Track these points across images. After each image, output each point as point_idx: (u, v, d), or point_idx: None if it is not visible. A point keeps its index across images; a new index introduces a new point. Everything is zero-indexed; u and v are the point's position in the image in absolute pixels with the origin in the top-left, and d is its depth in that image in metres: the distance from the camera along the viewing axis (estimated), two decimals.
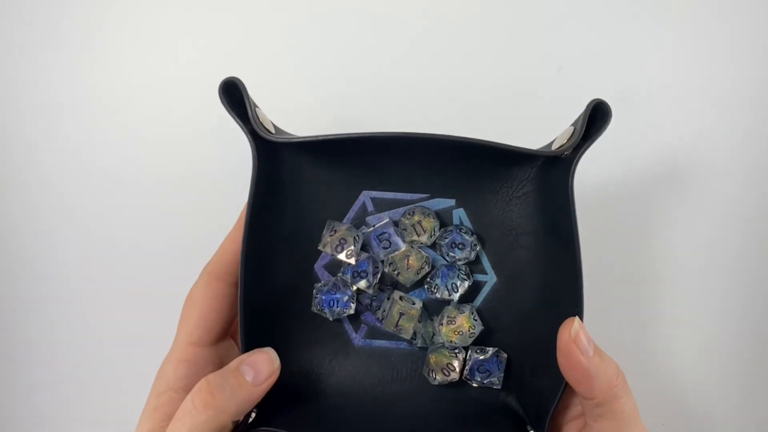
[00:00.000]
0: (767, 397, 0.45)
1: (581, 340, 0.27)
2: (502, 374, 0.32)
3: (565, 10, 0.47)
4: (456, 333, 0.32)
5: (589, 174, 0.46)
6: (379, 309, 0.34)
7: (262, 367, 0.28)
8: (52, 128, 0.47)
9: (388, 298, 0.33)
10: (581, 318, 0.28)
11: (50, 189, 0.47)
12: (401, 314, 0.32)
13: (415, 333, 0.33)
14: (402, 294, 0.33)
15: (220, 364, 0.31)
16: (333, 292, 0.33)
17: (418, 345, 0.33)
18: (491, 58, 0.48)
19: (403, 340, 0.33)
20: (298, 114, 0.44)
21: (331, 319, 0.33)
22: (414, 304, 0.33)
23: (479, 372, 0.32)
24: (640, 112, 0.46)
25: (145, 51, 0.48)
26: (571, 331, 0.27)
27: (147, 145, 0.47)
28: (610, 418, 0.28)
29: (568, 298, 0.29)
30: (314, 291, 0.33)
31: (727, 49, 0.46)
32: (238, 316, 0.33)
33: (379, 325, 0.34)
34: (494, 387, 0.32)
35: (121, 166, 0.47)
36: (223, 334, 0.32)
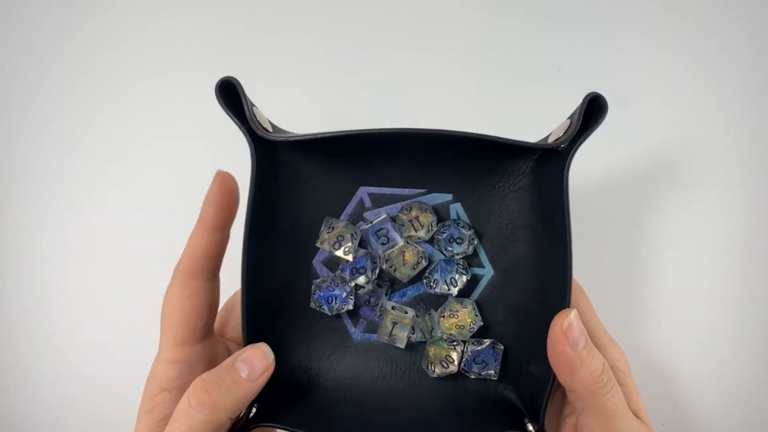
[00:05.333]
0: (767, 396, 0.45)
1: (573, 331, 0.27)
2: (499, 365, 0.33)
3: (565, 11, 0.47)
4: (456, 327, 0.33)
5: (588, 171, 0.46)
6: (377, 305, 0.34)
7: (256, 362, 0.28)
8: (49, 125, 0.47)
9: (381, 306, 0.33)
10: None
11: (49, 187, 0.47)
12: (394, 323, 0.32)
13: (413, 328, 0.33)
14: (393, 304, 0.33)
15: (210, 360, 0.31)
16: (331, 289, 0.33)
17: (417, 339, 0.33)
18: (491, 58, 0.47)
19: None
20: (294, 111, 0.44)
21: (329, 314, 0.33)
22: (406, 313, 0.33)
23: (476, 363, 0.33)
24: (639, 112, 0.46)
25: (142, 50, 0.47)
26: (564, 322, 0.27)
27: (144, 142, 0.47)
28: (595, 414, 0.28)
29: (560, 292, 0.29)
30: (313, 287, 0.33)
31: (725, 49, 0.47)
32: (220, 310, 0.33)
33: (377, 320, 0.34)
34: (491, 378, 0.33)
35: (117, 164, 0.47)
36: (209, 331, 0.32)
